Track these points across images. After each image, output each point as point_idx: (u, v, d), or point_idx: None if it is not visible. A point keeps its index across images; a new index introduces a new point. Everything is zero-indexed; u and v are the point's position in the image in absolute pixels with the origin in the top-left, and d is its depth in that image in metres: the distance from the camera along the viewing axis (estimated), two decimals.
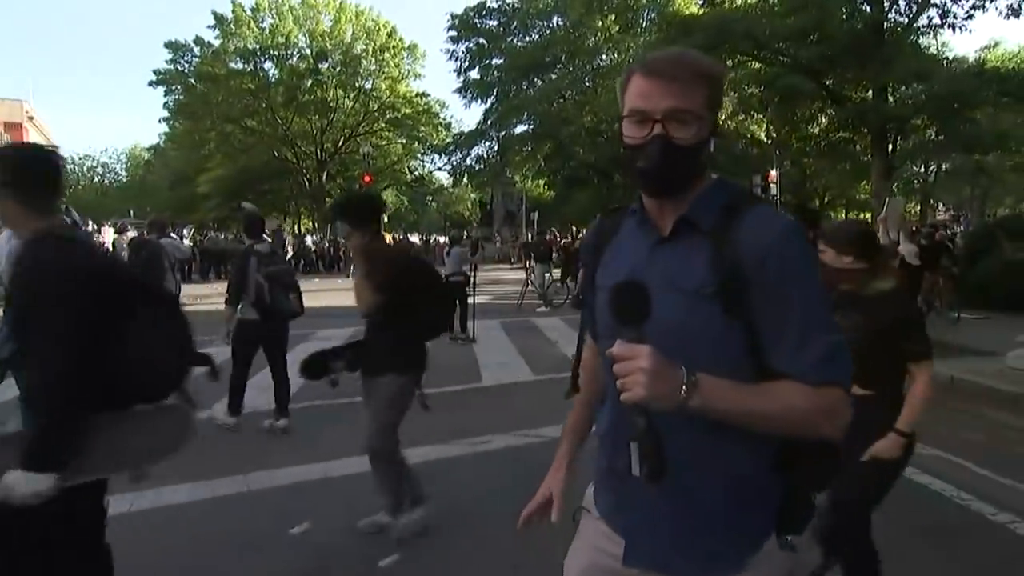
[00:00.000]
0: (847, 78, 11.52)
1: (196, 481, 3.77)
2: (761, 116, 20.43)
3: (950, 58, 15.95)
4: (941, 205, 36.30)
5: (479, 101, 27.68)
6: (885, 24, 10.65)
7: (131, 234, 13.86)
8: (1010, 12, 10.31)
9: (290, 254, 17.19)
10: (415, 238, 37.39)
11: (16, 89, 75.14)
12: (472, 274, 9.63)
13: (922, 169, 28.21)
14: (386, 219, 40.28)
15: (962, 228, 21.18)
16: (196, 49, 29.36)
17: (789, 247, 1.07)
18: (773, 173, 18.26)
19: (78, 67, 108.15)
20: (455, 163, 29.19)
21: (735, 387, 1.02)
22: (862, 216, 29.91)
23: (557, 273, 15.20)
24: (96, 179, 47.27)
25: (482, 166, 28.74)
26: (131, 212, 33.38)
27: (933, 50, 15.72)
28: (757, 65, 12.93)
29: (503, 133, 26.95)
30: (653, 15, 22.85)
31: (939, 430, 4.92)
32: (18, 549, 1.69)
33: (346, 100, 30.03)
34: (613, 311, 1.02)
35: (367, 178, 26.17)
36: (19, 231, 1.73)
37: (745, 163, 21.41)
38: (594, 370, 1.41)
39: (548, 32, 27.00)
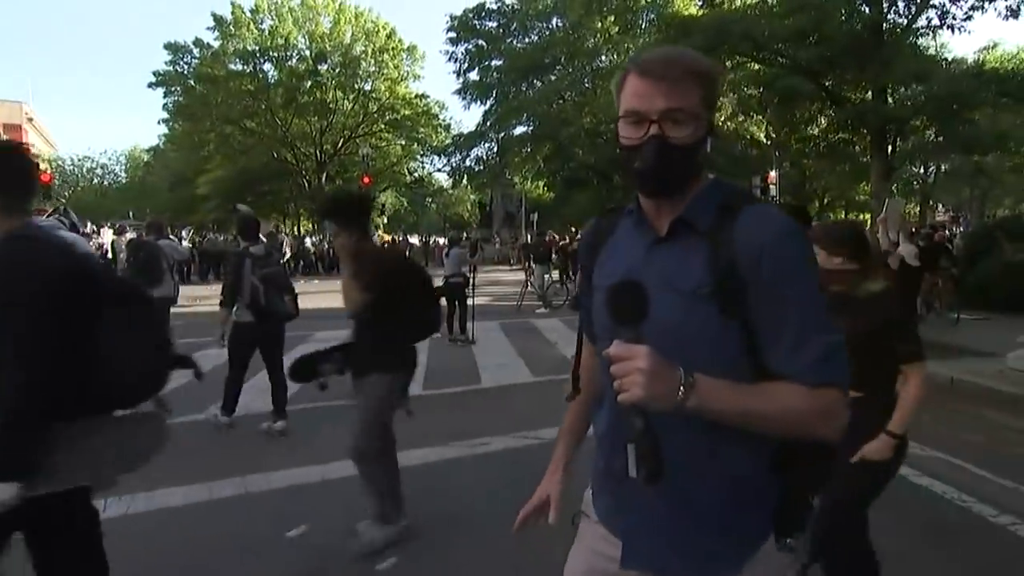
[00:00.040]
0: (846, 79, 11.51)
1: (193, 484, 3.77)
2: (760, 117, 20.46)
3: (949, 59, 15.96)
4: (940, 206, 36.33)
5: (478, 102, 27.73)
6: (884, 25, 10.64)
7: (130, 235, 13.87)
8: (1009, 13, 10.32)
9: (288, 255, 17.17)
10: (415, 239, 37.43)
11: (16, 91, 75.22)
12: (471, 275, 9.62)
13: (921, 170, 28.22)
14: (385, 220, 40.40)
15: (961, 229, 21.20)
16: (195, 50, 29.36)
17: (786, 247, 1.07)
18: (772, 174, 18.26)
19: (78, 69, 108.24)
20: (454, 164, 29.20)
21: (732, 388, 1.02)
22: (862, 217, 29.98)
23: (556, 275, 15.20)
24: (95, 180, 47.22)
25: (481, 167, 28.74)
26: (130, 213, 33.34)
27: (932, 51, 15.73)
28: (756, 66, 12.92)
29: (502, 134, 26.95)
30: (652, 16, 22.83)
31: (939, 431, 4.92)
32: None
33: (345, 101, 30.02)
34: (610, 311, 1.01)
35: (366, 179, 26.13)
36: None
37: (744, 164, 21.41)
38: (590, 371, 1.40)
39: (547, 33, 27.02)
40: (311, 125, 29.75)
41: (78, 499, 1.76)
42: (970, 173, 26.34)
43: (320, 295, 12.64)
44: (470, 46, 27.49)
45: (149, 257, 6.57)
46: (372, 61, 30.28)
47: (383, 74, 30.45)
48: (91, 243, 13.22)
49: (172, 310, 6.96)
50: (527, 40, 27.37)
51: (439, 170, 33.02)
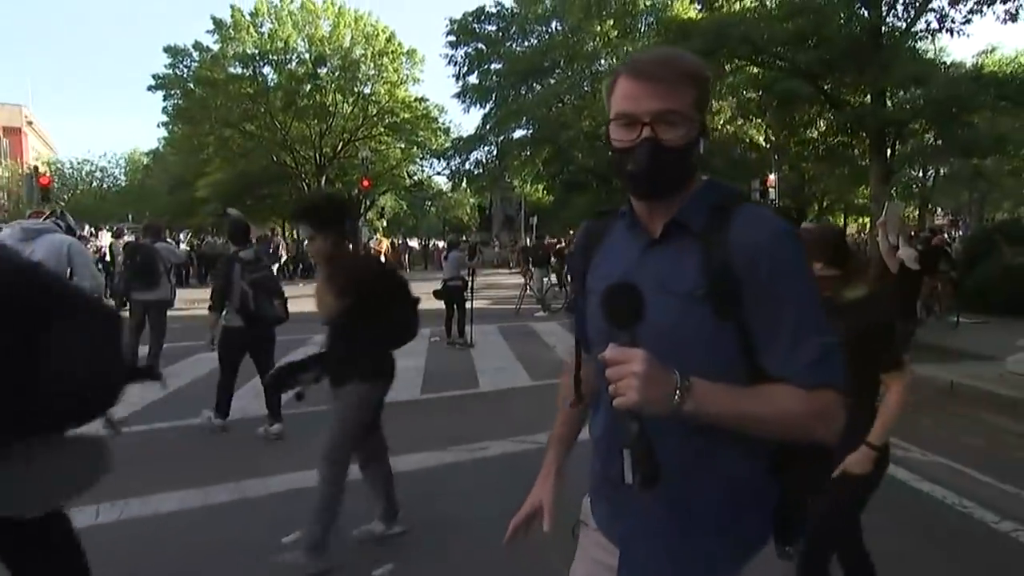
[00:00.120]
0: (845, 82, 11.52)
1: (188, 488, 3.74)
2: (759, 121, 20.45)
3: (948, 63, 15.97)
4: (939, 210, 36.35)
5: (478, 106, 27.69)
6: (883, 29, 10.64)
7: (128, 238, 13.85)
8: (1008, 17, 10.33)
9: (284, 258, 17.15)
10: (414, 242, 37.43)
11: (15, 94, 75.13)
12: (470, 279, 9.60)
13: (920, 174, 28.23)
14: (385, 223, 40.36)
15: (960, 233, 21.21)
16: (195, 54, 29.32)
17: (781, 247, 1.06)
18: (772, 177, 18.26)
19: (77, 72, 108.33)
20: (454, 168, 29.14)
21: (728, 391, 1.01)
22: (861, 220, 29.98)
23: (555, 278, 15.19)
24: (95, 183, 47.16)
25: (481, 171, 28.70)
26: (130, 216, 33.33)
27: (931, 55, 15.76)
28: (755, 69, 12.93)
29: (502, 138, 26.93)
30: (651, 20, 22.88)
31: (939, 435, 4.91)
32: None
33: (345, 105, 29.97)
34: (606, 313, 1.00)
35: (365, 183, 26.13)
36: None
37: (744, 167, 21.41)
38: (581, 376, 1.39)
39: (547, 37, 27.02)
40: (310, 128, 29.72)
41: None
42: (969, 177, 26.34)
43: None
44: (469, 49, 27.49)
45: (145, 260, 6.57)
46: (372, 64, 30.26)
47: (383, 77, 30.43)
48: (89, 246, 13.18)
49: (169, 313, 6.97)
50: (526, 44, 27.38)
51: (438, 173, 33.01)
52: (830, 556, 2.29)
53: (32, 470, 1.56)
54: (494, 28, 27.56)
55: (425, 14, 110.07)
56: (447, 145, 29.78)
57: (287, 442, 4.68)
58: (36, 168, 18.26)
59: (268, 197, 31.31)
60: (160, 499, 3.61)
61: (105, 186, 47.36)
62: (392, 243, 32.10)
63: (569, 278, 1.55)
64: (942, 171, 27.47)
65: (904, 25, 10.95)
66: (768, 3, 12.86)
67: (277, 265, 15.04)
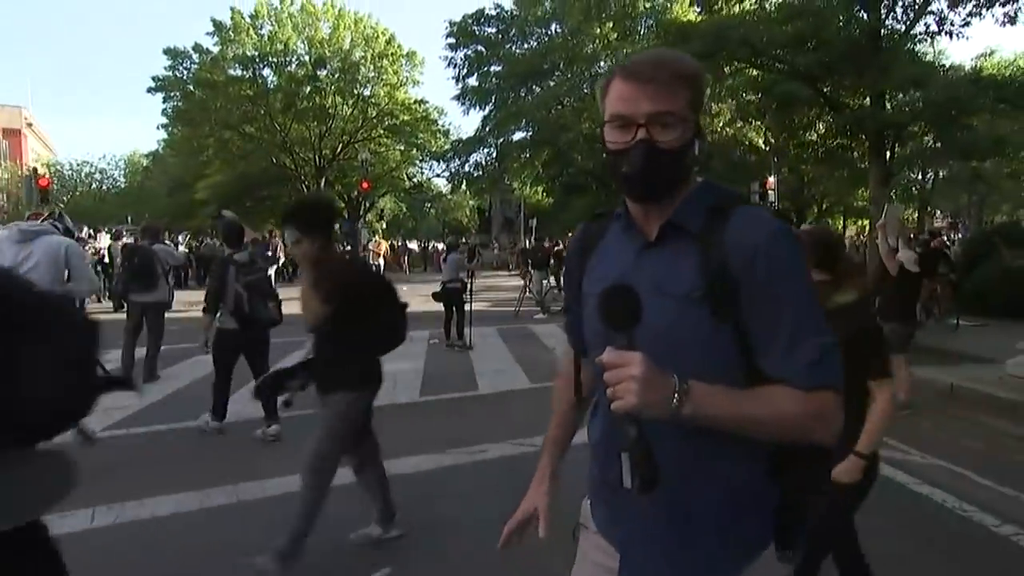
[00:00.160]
0: (844, 85, 11.52)
1: (184, 491, 3.72)
2: (759, 123, 20.47)
3: (947, 66, 15.99)
4: (939, 212, 36.38)
5: (477, 108, 27.71)
6: (882, 31, 10.65)
7: (127, 240, 13.85)
8: (1006, 20, 10.34)
9: (282, 260, 17.15)
10: (414, 244, 37.42)
11: (15, 96, 75.15)
12: (469, 281, 9.59)
13: (919, 176, 28.26)
14: (384, 226, 40.36)
15: (960, 235, 21.22)
16: (195, 56, 29.32)
17: (778, 247, 1.05)
18: (771, 180, 18.27)
19: (77, 74, 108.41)
20: (453, 170, 29.17)
21: (727, 393, 1.00)
22: (860, 223, 29.99)
23: (555, 280, 15.18)
24: (94, 185, 47.16)
25: (480, 173, 28.72)
26: (129, 218, 33.34)
27: (930, 58, 15.76)
28: (754, 72, 12.93)
29: (501, 140, 26.94)
30: (651, 22, 22.93)
31: (939, 438, 4.90)
32: None
33: (344, 107, 29.98)
34: (603, 316, 0.99)
35: (365, 185, 26.14)
36: None
37: (743, 170, 21.42)
38: (569, 380, 1.39)
39: (546, 39, 27.05)
40: (310, 130, 29.72)
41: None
42: (968, 179, 26.36)
43: None
44: (469, 52, 27.52)
45: (143, 262, 6.56)
46: (371, 67, 30.27)
47: (382, 79, 30.44)
48: (87, 248, 13.17)
49: (167, 315, 6.95)
50: (526, 46, 27.40)
51: (438, 175, 33.00)
52: (822, 559, 2.28)
53: (2, 483, 1.54)
54: (494, 30, 27.60)
55: (425, 16, 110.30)
56: (447, 147, 29.80)
57: (284, 444, 4.66)
58: (35, 170, 18.26)
59: (268, 199, 31.29)
60: (157, 502, 3.59)
61: (104, 188, 47.34)
62: (391, 245, 32.11)
63: (563, 281, 1.55)
64: (941, 174, 27.51)
65: (903, 28, 10.96)
66: (767, 6, 12.89)
67: (276, 267, 14.98)
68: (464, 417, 5.70)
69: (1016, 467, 4.30)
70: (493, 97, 27.30)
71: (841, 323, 2.04)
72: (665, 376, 0.95)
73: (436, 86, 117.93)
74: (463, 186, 30.82)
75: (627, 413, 0.92)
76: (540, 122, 24.86)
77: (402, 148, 32.13)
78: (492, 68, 27.48)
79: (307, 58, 29.49)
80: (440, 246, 29.94)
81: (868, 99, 11.22)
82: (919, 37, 11.45)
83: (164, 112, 31.35)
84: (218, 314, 4.87)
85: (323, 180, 30.50)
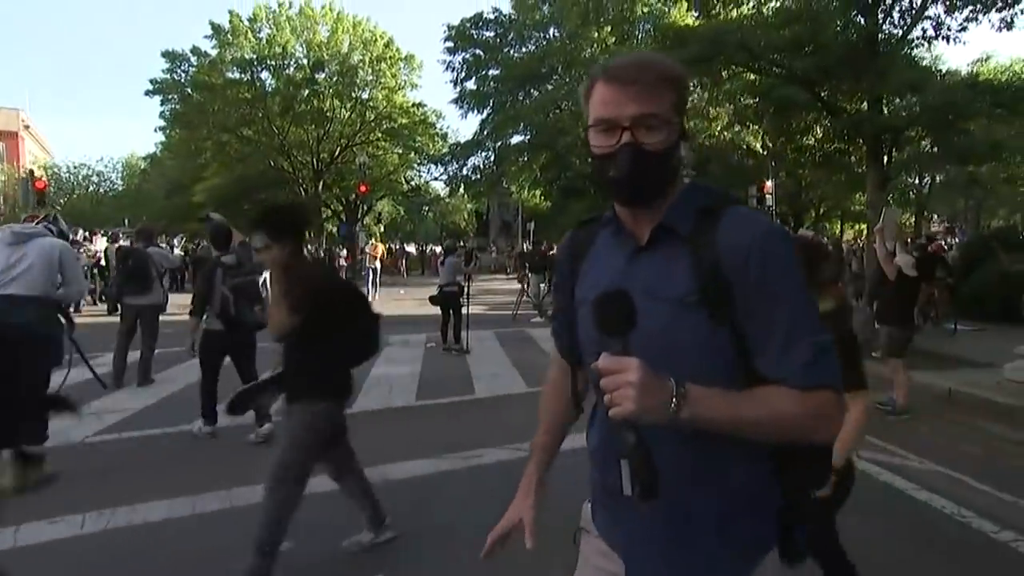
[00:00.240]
0: (842, 89, 11.54)
1: (176, 497, 3.68)
2: (756, 127, 20.51)
3: (944, 71, 16.04)
4: (936, 216, 36.48)
5: (475, 111, 27.72)
6: (879, 36, 10.68)
7: (124, 243, 13.78)
8: (1003, 25, 10.38)
9: None
10: (411, 248, 37.40)
11: (13, 98, 75.08)
12: (466, 284, 9.57)
13: (917, 181, 28.33)
14: (382, 229, 40.32)
15: (957, 240, 21.27)
16: (193, 59, 29.32)
17: (773, 246, 1.05)
18: (769, 184, 18.30)
19: (75, 76, 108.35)
20: (451, 173, 29.18)
21: (724, 395, 0.99)
22: (858, 227, 30.04)
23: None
24: (91, 188, 47.08)
25: (478, 176, 28.73)
26: (126, 221, 33.26)
27: (927, 62, 15.81)
28: (752, 76, 12.94)
29: (499, 143, 26.96)
30: (649, 26, 22.99)
31: (937, 442, 4.88)
32: None
33: (343, 110, 29.99)
34: (597, 322, 0.98)
35: (363, 188, 26.11)
36: None
37: (741, 174, 21.46)
38: (563, 387, 1.38)
39: (544, 43, 27.09)
40: (308, 133, 29.72)
41: None
42: (965, 184, 26.45)
43: None
44: (467, 55, 27.56)
45: (138, 264, 6.53)
46: (369, 70, 30.29)
47: (380, 83, 30.46)
48: (81, 251, 13.10)
49: (162, 318, 6.91)
50: (524, 50, 27.44)
51: (436, 179, 33.04)
52: (830, 556, 2.31)
53: None
54: (492, 34, 27.65)
55: (423, 20, 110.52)
56: (445, 151, 29.83)
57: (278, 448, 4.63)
58: (32, 172, 18.18)
59: (265, 202, 31.21)
60: (149, 507, 3.55)
61: (102, 190, 47.26)
62: (389, 248, 32.08)
63: (553, 287, 1.54)
64: (938, 178, 27.59)
65: (900, 32, 10.99)
66: (765, 10, 12.92)
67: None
68: (461, 421, 5.67)
69: (1014, 472, 4.28)
70: (491, 101, 27.33)
71: None
72: (662, 380, 0.94)
73: (434, 89, 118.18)
74: (461, 189, 30.83)
75: (625, 419, 0.91)
76: (538, 126, 24.88)
77: (400, 151, 32.14)
78: (490, 72, 27.52)
79: (305, 61, 29.51)
80: (438, 249, 29.93)
81: (865, 103, 11.25)
82: (916, 42, 11.48)
83: (162, 115, 31.37)
84: (204, 316, 4.87)
85: (321, 183, 30.51)
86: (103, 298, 13.36)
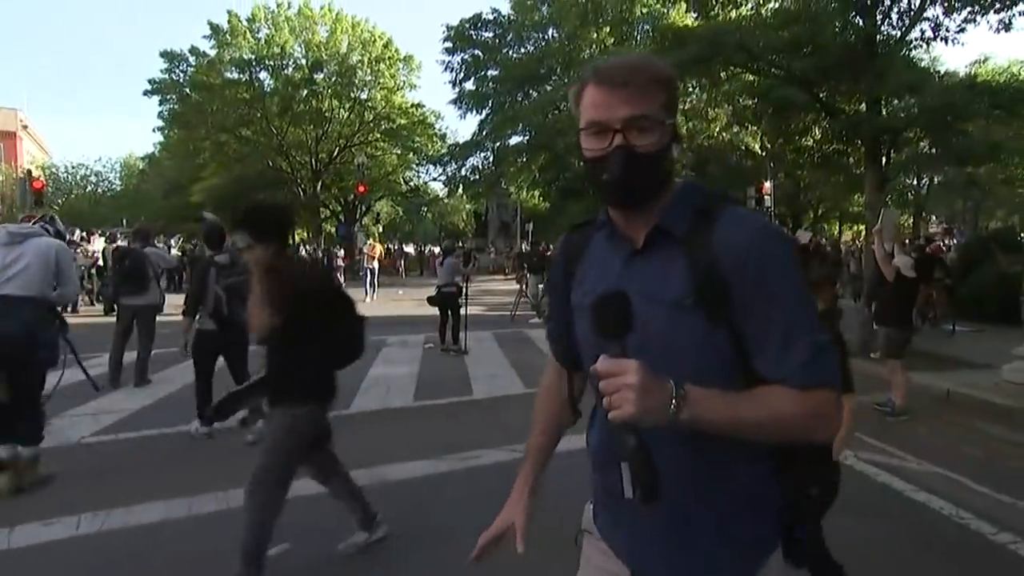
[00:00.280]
0: (840, 90, 11.52)
1: (172, 498, 3.67)
2: (755, 128, 20.52)
3: (942, 72, 16.05)
4: (934, 217, 36.54)
5: (474, 112, 27.77)
6: (878, 37, 10.67)
7: (121, 243, 13.76)
8: (1001, 26, 10.37)
9: None
10: (410, 248, 37.38)
11: (11, 98, 74.95)
12: (464, 285, 9.56)
13: (915, 182, 28.38)
14: (381, 229, 40.30)
15: (955, 241, 21.31)
16: (191, 59, 29.30)
17: (768, 246, 1.04)
18: (767, 185, 18.32)
19: (73, 76, 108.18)
20: (450, 174, 29.22)
21: (724, 396, 0.99)
22: (856, 228, 30.07)
23: None
24: (89, 188, 46.99)
25: (477, 177, 28.76)
26: (124, 221, 33.18)
27: (925, 64, 15.82)
28: (751, 77, 12.93)
29: (498, 144, 26.99)
30: (647, 27, 23.01)
31: (936, 444, 4.88)
32: None
33: (341, 110, 29.98)
34: (595, 325, 0.97)
35: (361, 188, 26.10)
36: None
37: (739, 175, 21.50)
38: (558, 390, 1.38)
39: (543, 44, 27.13)
40: (307, 134, 29.71)
41: None
42: (963, 185, 26.49)
43: None
44: (466, 56, 27.58)
45: (135, 264, 6.52)
46: (368, 70, 30.28)
47: (379, 83, 30.45)
48: (78, 251, 13.07)
49: (159, 318, 6.89)
50: (523, 50, 27.48)
51: (435, 179, 33.07)
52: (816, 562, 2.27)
53: None
54: (491, 35, 27.68)
55: (422, 20, 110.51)
56: (443, 151, 29.84)
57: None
58: (29, 172, 18.13)
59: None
60: (145, 509, 3.54)
61: (100, 190, 47.16)
62: (388, 248, 32.06)
63: (548, 291, 1.52)
64: (936, 179, 27.63)
65: (899, 34, 10.98)
66: (763, 11, 12.90)
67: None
68: (459, 422, 5.66)
69: (1013, 474, 4.27)
70: (490, 101, 27.36)
71: None
72: (662, 382, 0.93)
73: (433, 90, 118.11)
74: (460, 190, 30.86)
75: (625, 422, 0.91)
76: (537, 126, 24.90)
77: (399, 152, 32.14)
78: (489, 72, 27.55)
79: (304, 61, 29.49)
80: (436, 250, 29.93)
81: (864, 104, 11.23)
82: (914, 43, 11.47)
83: (160, 115, 31.35)
84: (197, 316, 4.86)
85: (319, 183, 30.50)
86: (100, 298, 13.33)
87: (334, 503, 3.16)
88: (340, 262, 23.16)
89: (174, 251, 20.05)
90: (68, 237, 5.68)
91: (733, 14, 12.87)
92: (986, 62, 26.88)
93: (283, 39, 29.25)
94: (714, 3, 13.10)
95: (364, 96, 30.40)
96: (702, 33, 11.48)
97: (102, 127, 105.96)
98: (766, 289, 1.02)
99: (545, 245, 21.46)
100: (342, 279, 22.39)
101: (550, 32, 27.13)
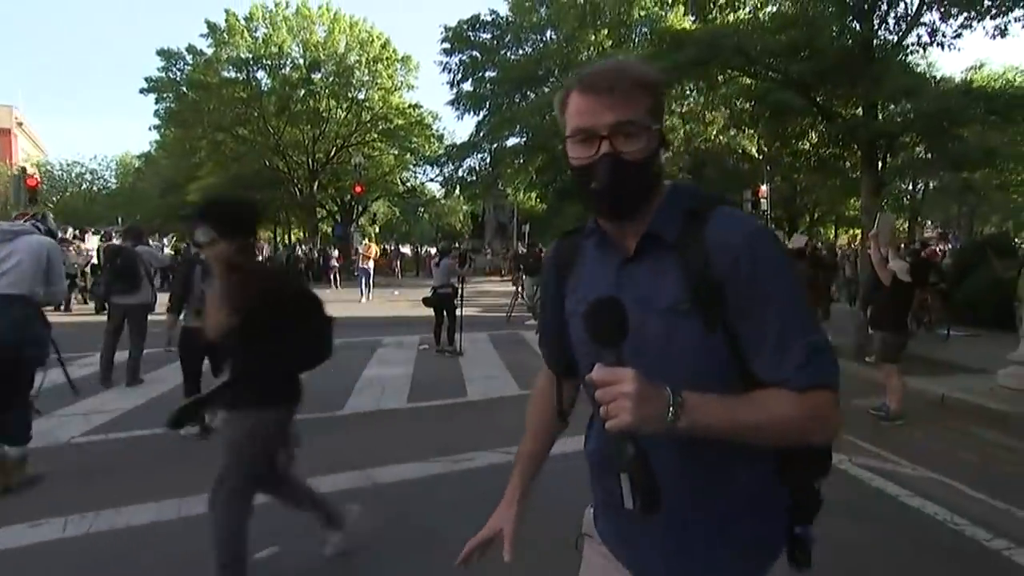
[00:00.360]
0: (837, 94, 11.56)
1: (163, 499, 3.63)
2: (752, 131, 20.57)
3: (938, 77, 16.11)
4: (929, 222, 36.68)
5: (472, 113, 27.73)
6: (875, 42, 10.70)
7: (116, 242, 13.68)
8: (997, 32, 10.42)
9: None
10: (406, 249, 37.32)
11: (6, 95, 74.61)
12: (460, 287, 9.54)
13: (911, 186, 28.48)
14: (378, 230, 40.24)
15: (950, 246, 21.40)
16: (188, 57, 29.27)
17: (760, 246, 1.03)
18: (763, 188, 18.35)
19: (69, 74, 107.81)
20: (447, 175, 29.17)
21: (721, 401, 0.98)
22: (852, 232, 30.14)
23: None
24: (85, 186, 46.81)
25: (474, 178, 28.73)
26: (119, 219, 33.06)
27: (921, 69, 15.88)
28: (748, 80, 12.97)
29: (495, 145, 26.97)
30: (645, 30, 23.04)
31: (930, 448, 4.87)
32: None
33: (338, 110, 29.96)
34: (589, 332, 0.96)
35: (358, 188, 26.05)
36: None
37: (736, 178, 21.53)
38: (549, 396, 1.38)
39: (541, 46, 27.13)
40: (304, 133, 29.67)
41: None
42: (958, 190, 26.59)
43: None
44: (464, 57, 27.56)
45: (126, 263, 6.47)
46: (366, 71, 30.26)
47: (377, 84, 30.44)
48: (71, 248, 12.99)
49: (151, 317, 6.85)
50: (521, 52, 27.47)
51: (432, 180, 33.03)
52: None
53: None
54: (489, 36, 27.66)
55: (420, 21, 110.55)
56: (441, 152, 29.80)
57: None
58: (24, 169, 18.03)
59: (260, 202, 31.08)
60: (134, 510, 3.50)
61: (95, 189, 46.98)
62: (384, 249, 32.00)
63: (540, 297, 1.49)
64: (932, 184, 27.72)
65: (895, 39, 11.01)
66: (761, 15, 12.94)
67: None
68: (453, 424, 5.63)
69: (1008, 479, 4.27)
70: (487, 102, 27.34)
71: None
72: (658, 389, 0.92)
73: (431, 91, 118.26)
74: (457, 191, 30.81)
75: (622, 431, 0.90)
76: (534, 128, 24.89)
77: (396, 152, 32.12)
78: (487, 73, 27.53)
79: (301, 61, 29.44)
80: (432, 251, 29.90)
81: (860, 109, 11.26)
82: (911, 48, 11.52)
83: (156, 113, 31.26)
84: (182, 314, 4.85)
85: (316, 183, 30.45)
86: (92, 296, 13.26)
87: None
88: (334, 262, 23.11)
89: (167, 250, 19.98)
90: (60, 235, 5.64)
91: (731, 17, 12.93)
92: (982, 68, 27.03)
93: (281, 38, 29.20)
94: (712, 6, 13.15)
95: (361, 96, 30.38)
96: (700, 36, 11.50)
97: (102, 127, 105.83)
98: (760, 290, 1.01)
99: (541, 247, 21.45)
100: (337, 279, 22.40)
101: (548, 34, 27.14)
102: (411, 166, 33.11)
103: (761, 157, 21.18)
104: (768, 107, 13.35)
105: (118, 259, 6.55)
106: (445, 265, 9.47)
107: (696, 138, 22.53)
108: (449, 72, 27.56)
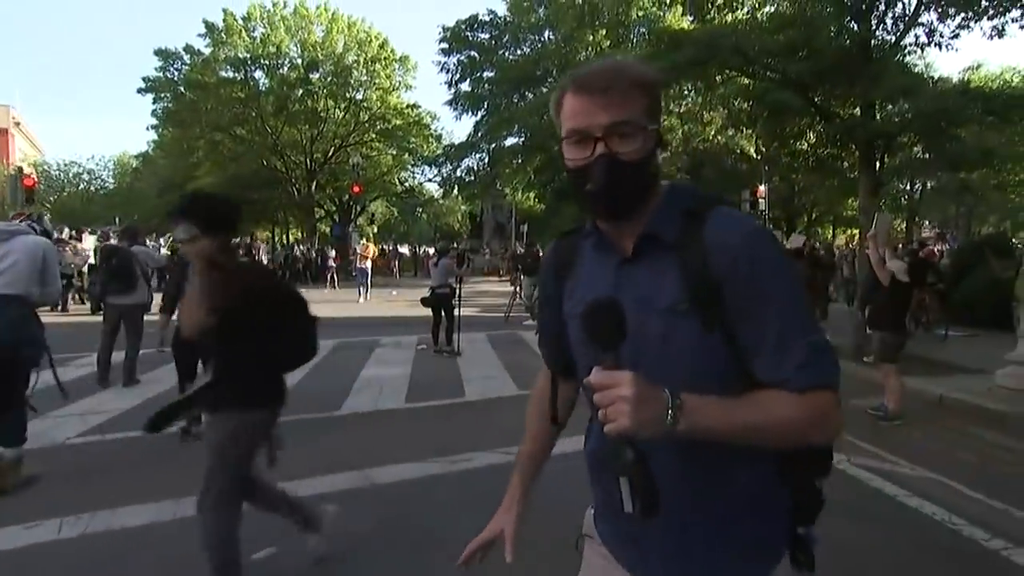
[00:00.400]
0: (835, 94, 11.59)
1: (159, 500, 3.61)
2: (750, 131, 20.59)
3: (935, 78, 16.15)
4: (927, 222, 36.73)
5: (470, 113, 27.71)
6: (873, 42, 10.73)
7: (113, 242, 13.64)
8: (994, 32, 10.45)
9: (264, 262, 17.05)
10: (405, 249, 37.29)
11: (3, 95, 74.44)
12: (458, 287, 9.53)
13: (908, 186, 28.52)
14: (376, 230, 40.19)
15: (948, 246, 21.45)
16: (186, 57, 29.19)
17: (759, 246, 1.02)
18: (762, 188, 18.36)
19: (73, 76, 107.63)
20: (445, 174, 29.14)
21: (721, 403, 0.97)
22: (850, 232, 30.20)
23: None
24: (82, 186, 46.70)
25: (472, 178, 28.71)
26: (117, 219, 32.99)
27: (919, 69, 15.91)
28: (746, 80, 12.99)
29: (493, 145, 26.95)
30: (643, 30, 23.05)
31: (929, 448, 4.87)
32: None
33: (337, 110, 29.92)
34: (587, 334, 0.95)
35: (356, 188, 26.02)
36: None
37: (734, 178, 21.56)
38: (544, 395, 1.37)
39: (539, 46, 27.12)
40: (302, 133, 29.62)
41: None
42: (956, 190, 26.64)
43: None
44: (462, 57, 27.54)
45: (122, 263, 6.45)
46: (364, 70, 30.21)
47: (375, 84, 30.39)
48: (67, 248, 12.94)
49: (146, 317, 6.83)
50: (519, 52, 27.46)
51: (430, 180, 33.00)
52: None
53: None
54: (487, 36, 27.64)
55: (418, 21, 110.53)
56: (439, 152, 29.77)
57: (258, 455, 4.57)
58: (20, 169, 17.97)
59: (258, 202, 31.06)
60: (130, 511, 3.48)
61: (92, 189, 46.88)
62: (382, 249, 31.97)
63: (538, 298, 1.47)
64: (930, 184, 27.77)
65: (893, 39, 11.04)
66: (759, 15, 12.96)
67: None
68: (451, 424, 5.62)
69: (1006, 479, 4.27)
70: (486, 103, 27.33)
71: None
72: (657, 392, 0.91)
73: (429, 91, 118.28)
74: (455, 191, 30.80)
75: (621, 435, 0.89)
76: (532, 128, 24.87)
77: (394, 152, 32.09)
78: (485, 74, 27.51)
79: (299, 61, 29.39)
80: (431, 251, 29.87)
81: (858, 109, 11.29)
82: (909, 48, 11.55)
83: (154, 113, 31.19)
84: (175, 314, 4.86)
85: (314, 183, 30.41)
86: (88, 296, 13.22)
87: (327, 505, 3.11)
88: (332, 262, 23.09)
89: (163, 250, 19.92)
90: (55, 236, 5.62)
91: (729, 17, 12.94)
92: (979, 68, 27.10)
93: (279, 38, 29.15)
94: (710, 6, 13.17)
95: (360, 96, 30.34)
96: (698, 36, 11.50)
97: (100, 127, 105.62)
98: (758, 289, 1.00)
99: (539, 247, 21.44)
100: (335, 279, 22.36)
101: (546, 34, 27.13)
102: (409, 166, 33.08)
103: (759, 157, 21.20)
104: (766, 107, 13.37)
105: (114, 259, 6.53)
106: (443, 265, 9.46)
107: (694, 138, 22.55)
108: (447, 72, 27.57)
